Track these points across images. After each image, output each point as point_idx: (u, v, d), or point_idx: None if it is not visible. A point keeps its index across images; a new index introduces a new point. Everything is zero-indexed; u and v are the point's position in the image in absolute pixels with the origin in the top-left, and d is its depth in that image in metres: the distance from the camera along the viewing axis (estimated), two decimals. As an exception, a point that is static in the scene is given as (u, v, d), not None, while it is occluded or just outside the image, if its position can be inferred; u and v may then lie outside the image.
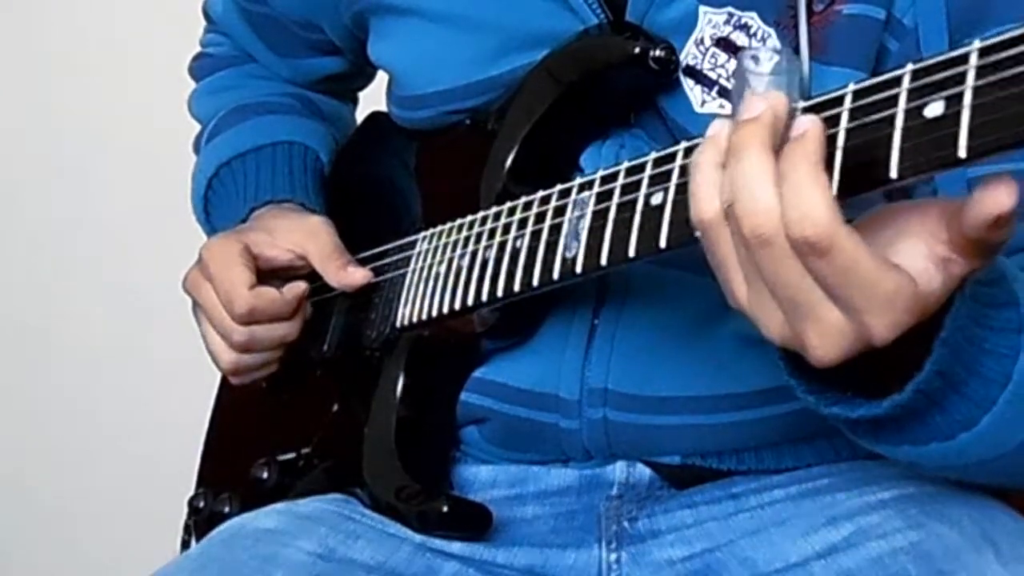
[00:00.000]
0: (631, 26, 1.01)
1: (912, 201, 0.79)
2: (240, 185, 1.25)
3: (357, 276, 1.15)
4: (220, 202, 1.26)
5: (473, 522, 1.04)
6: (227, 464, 1.27)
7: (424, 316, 1.08)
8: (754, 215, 0.72)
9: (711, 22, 0.99)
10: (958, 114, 0.67)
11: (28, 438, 2.36)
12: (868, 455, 1.00)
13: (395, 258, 1.15)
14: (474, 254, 1.03)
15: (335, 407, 1.18)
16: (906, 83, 0.71)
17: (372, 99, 1.35)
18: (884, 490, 0.98)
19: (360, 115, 1.38)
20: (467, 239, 1.05)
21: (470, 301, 1.03)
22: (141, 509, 2.17)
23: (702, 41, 0.99)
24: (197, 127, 1.36)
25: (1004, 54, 0.66)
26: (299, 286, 1.15)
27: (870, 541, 0.93)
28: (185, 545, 1.21)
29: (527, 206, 0.99)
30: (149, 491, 2.07)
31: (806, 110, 0.75)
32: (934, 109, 0.69)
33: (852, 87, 0.74)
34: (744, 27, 0.98)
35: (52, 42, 2.29)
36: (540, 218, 0.97)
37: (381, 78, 1.25)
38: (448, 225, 1.08)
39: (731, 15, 0.98)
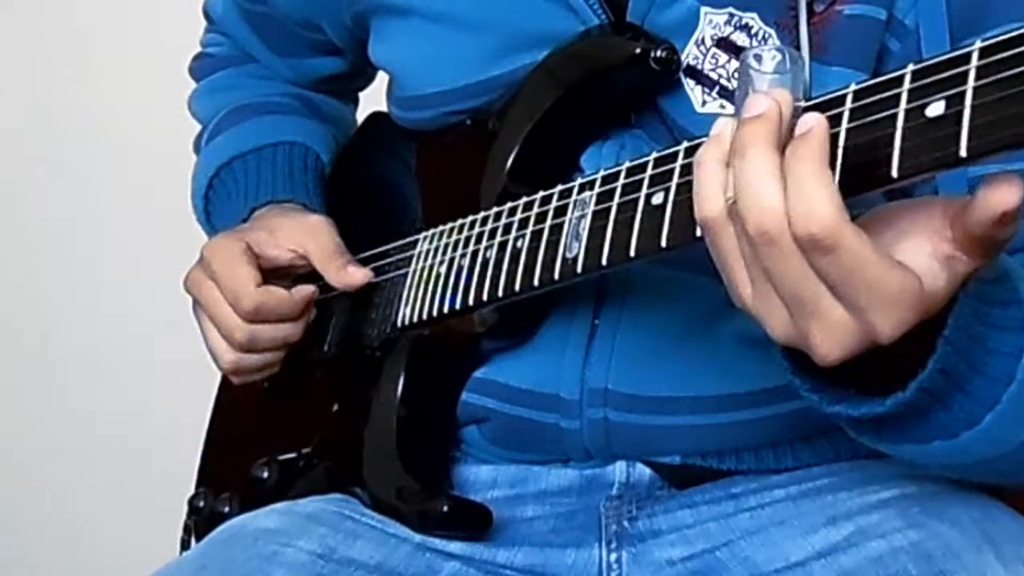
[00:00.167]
0: (632, 26, 1.01)
1: (916, 199, 0.79)
2: (241, 185, 1.25)
3: (357, 276, 1.15)
4: (221, 202, 1.26)
5: (473, 522, 1.04)
6: (227, 464, 1.27)
7: (425, 316, 1.08)
8: (759, 212, 0.72)
9: (712, 22, 0.99)
10: (959, 114, 0.67)
11: (28, 438, 2.36)
12: (868, 455, 1.00)
13: (396, 258, 1.15)
14: (475, 254, 1.03)
15: (335, 407, 1.18)
16: (907, 83, 0.71)
17: (372, 99, 1.35)
18: (884, 490, 0.98)
19: (360, 115, 1.38)
20: (468, 239, 1.05)
21: (471, 301, 1.03)
22: (141, 509, 2.17)
23: (703, 41, 0.99)
24: (197, 127, 1.36)
25: (1005, 54, 0.66)
26: (308, 288, 1.15)
27: (870, 541, 0.93)
28: (185, 545, 1.21)
29: (528, 206, 0.99)
30: (149, 491, 2.07)
31: (807, 110, 0.75)
32: (935, 109, 0.69)
33: (853, 87, 0.74)
34: (745, 27, 0.98)
35: (52, 42, 2.29)
36: (541, 218, 0.97)
37: (381, 78, 1.25)
38: (449, 225, 1.08)
39: (732, 15, 0.98)
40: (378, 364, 1.13)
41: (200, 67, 1.39)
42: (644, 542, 1.04)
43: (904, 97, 0.71)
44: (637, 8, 1.01)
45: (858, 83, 0.74)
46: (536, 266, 0.96)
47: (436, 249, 1.09)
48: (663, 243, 0.83)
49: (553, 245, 0.94)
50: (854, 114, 0.73)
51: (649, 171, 0.87)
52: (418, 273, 1.10)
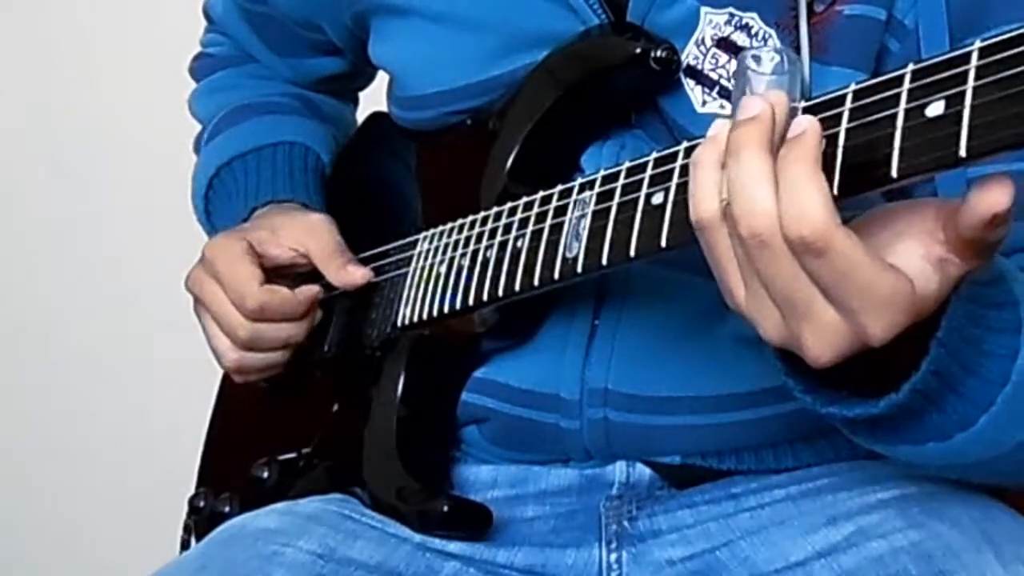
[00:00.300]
0: (632, 27, 1.01)
1: (909, 201, 0.79)
2: (241, 185, 1.25)
3: (357, 275, 1.15)
4: (221, 202, 1.26)
5: (473, 522, 1.04)
6: (227, 464, 1.27)
7: (425, 316, 1.08)
8: (751, 216, 0.72)
9: (712, 23, 0.99)
10: (959, 114, 0.67)
11: (28, 438, 2.36)
12: (868, 455, 1.00)
13: (396, 258, 1.15)
14: (475, 254, 1.03)
15: (335, 407, 1.18)
16: (907, 83, 0.71)
17: (372, 99, 1.35)
18: (884, 490, 0.98)
19: (360, 115, 1.38)
20: (468, 239, 1.05)
21: (471, 301, 1.03)
22: (141, 509, 2.17)
23: (703, 41, 0.99)
24: (197, 127, 1.36)
25: (1004, 54, 0.66)
26: (312, 288, 1.15)
27: (870, 541, 0.93)
28: (185, 545, 1.21)
29: (528, 206, 0.99)
30: (149, 491, 2.07)
31: (807, 110, 0.75)
32: (935, 109, 0.69)
33: (853, 87, 0.74)
34: (745, 28, 0.98)
35: (52, 42, 2.29)
36: (541, 218, 0.97)
37: (381, 78, 1.25)
38: (449, 225, 1.08)
39: (732, 16, 0.98)
40: (378, 364, 1.13)
41: (200, 67, 1.39)
42: (644, 542, 1.04)
43: (904, 97, 0.71)
44: (637, 8, 1.01)
45: (858, 83, 0.74)
46: (536, 266, 0.96)
47: (436, 249, 1.09)
48: (663, 243, 0.84)
49: (553, 245, 0.94)
50: (854, 114, 0.73)
51: (649, 171, 0.87)
52: (418, 273, 1.10)
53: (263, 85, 1.34)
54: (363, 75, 1.36)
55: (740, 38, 0.98)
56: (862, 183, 0.72)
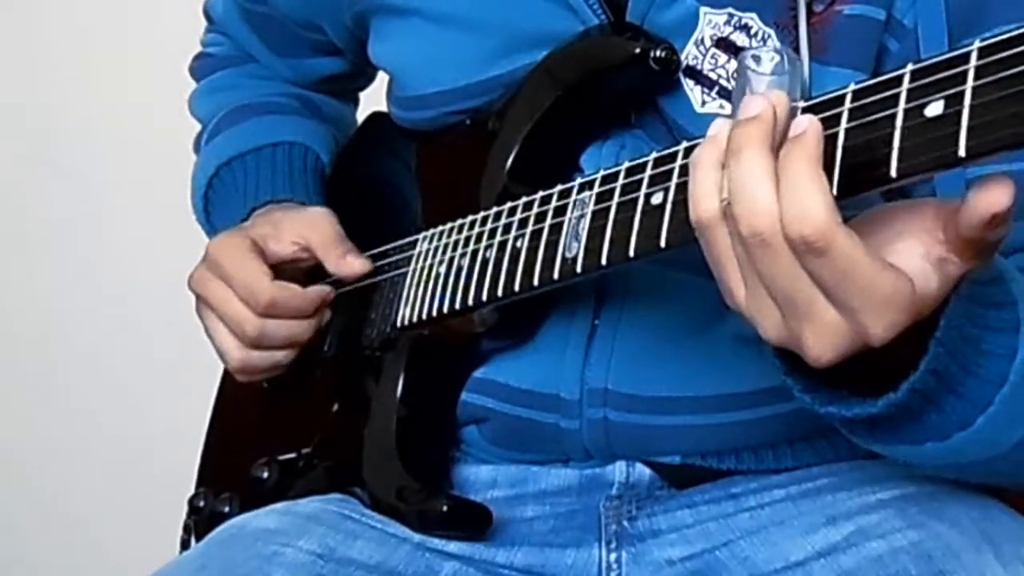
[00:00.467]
0: (632, 26, 1.01)
1: (909, 201, 0.79)
2: (240, 185, 1.25)
3: (356, 265, 1.15)
4: (220, 202, 1.26)
5: (473, 522, 1.04)
6: (227, 464, 1.27)
7: (424, 316, 1.08)
8: (752, 215, 0.72)
9: (711, 23, 0.99)
10: (958, 113, 0.67)
11: (28, 438, 2.36)
12: (868, 455, 1.00)
13: (396, 258, 1.15)
14: (474, 254, 1.03)
15: (335, 407, 1.18)
16: (906, 83, 0.71)
17: (372, 99, 1.35)
18: (884, 490, 0.98)
19: (360, 115, 1.38)
20: (467, 239, 1.05)
21: (470, 301, 1.03)
22: (141, 509, 2.17)
23: (702, 41, 0.99)
24: (197, 127, 1.36)
25: (1004, 54, 0.66)
26: (323, 288, 1.15)
27: (870, 541, 0.93)
28: (185, 545, 1.21)
29: (527, 206, 0.99)
30: (149, 491, 2.07)
31: (806, 110, 0.75)
32: (934, 109, 0.69)
33: (852, 87, 0.74)
34: (744, 28, 0.98)
35: (52, 42, 2.29)
36: (540, 218, 0.97)
37: (381, 78, 1.25)
38: (449, 225, 1.08)
39: (731, 16, 0.98)
40: (378, 364, 1.13)
41: (200, 67, 1.39)
42: (644, 542, 1.04)
43: (903, 97, 0.71)
44: (637, 8, 1.01)
45: (857, 83, 0.74)
46: (536, 266, 0.96)
47: (436, 249, 1.09)
48: (662, 243, 0.84)
49: (553, 245, 0.94)
50: (853, 114, 0.73)
51: (648, 171, 0.87)
52: (418, 273, 1.10)
53: (263, 85, 1.34)
54: (363, 75, 1.36)
55: (739, 38, 0.98)
56: (861, 183, 0.72)
